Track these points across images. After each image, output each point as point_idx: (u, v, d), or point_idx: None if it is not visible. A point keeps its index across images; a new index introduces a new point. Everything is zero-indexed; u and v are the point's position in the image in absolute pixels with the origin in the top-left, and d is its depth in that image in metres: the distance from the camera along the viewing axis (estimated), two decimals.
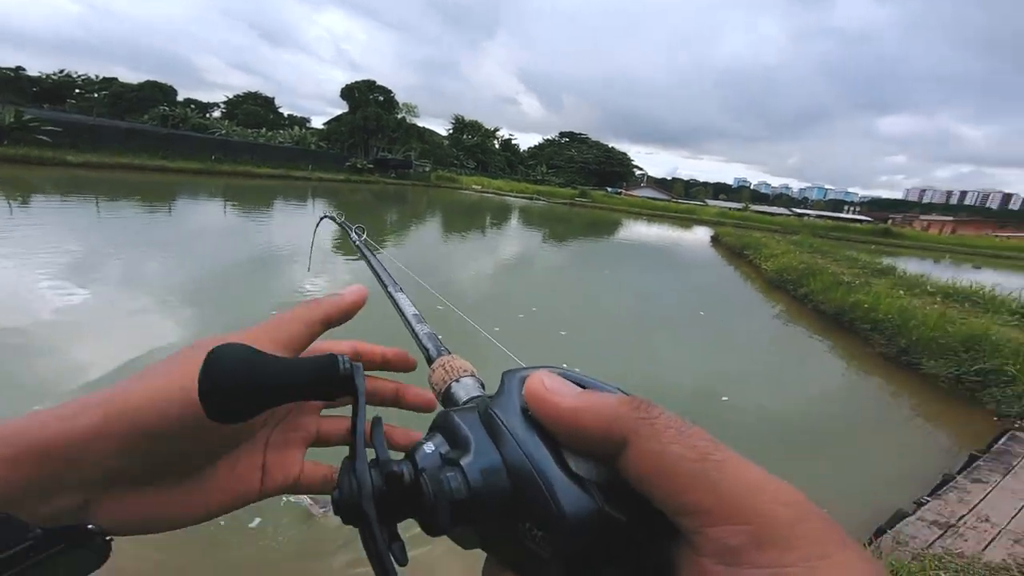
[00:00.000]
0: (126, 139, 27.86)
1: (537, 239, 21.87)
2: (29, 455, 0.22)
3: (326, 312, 0.34)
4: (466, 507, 0.20)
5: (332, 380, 0.26)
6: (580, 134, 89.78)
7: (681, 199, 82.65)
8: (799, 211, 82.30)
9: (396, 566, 0.19)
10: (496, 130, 74.72)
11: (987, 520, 3.30)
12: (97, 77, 52.62)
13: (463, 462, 0.21)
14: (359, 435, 0.23)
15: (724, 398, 5.99)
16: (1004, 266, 31.08)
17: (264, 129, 46.53)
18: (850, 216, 75.64)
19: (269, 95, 61.89)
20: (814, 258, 16.05)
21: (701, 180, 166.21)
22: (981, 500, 3.54)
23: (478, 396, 0.30)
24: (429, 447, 0.23)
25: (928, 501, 3.55)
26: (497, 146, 74.94)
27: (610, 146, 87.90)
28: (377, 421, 0.26)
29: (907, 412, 6.30)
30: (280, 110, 63.16)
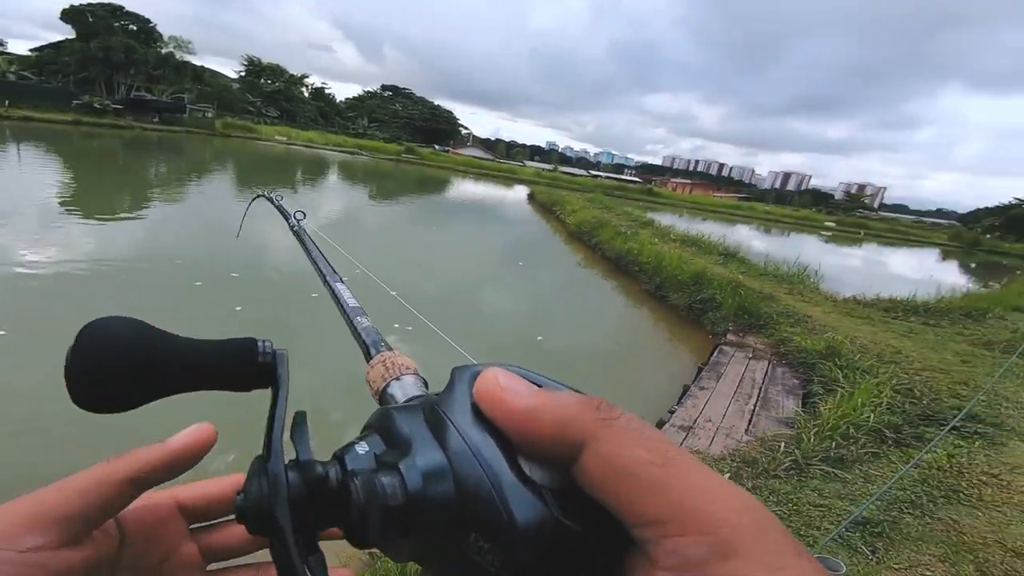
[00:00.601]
0: None
1: (363, 196, 20.00)
2: None
3: (140, 468, 0.21)
4: (402, 515, 0.16)
5: (247, 367, 0.21)
6: (404, 89, 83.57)
7: (503, 159, 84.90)
8: (594, 173, 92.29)
9: None
10: (303, 76, 64.19)
11: (710, 420, 3.98)
12: None
13: (401, 465, 0.17)
14: (276, 431, 0.18)
15: (539, 338, 6.25)
16: (719, 219, 39.71)
17: None
18: (628, 178, 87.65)
19: None
20: (602, 213, 17.95)
21: (520, 142, 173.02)
22: (705, 404, 4.27)
23: (421, 396, 0.25)
24: (362, 448, 0.18)
25: (676, 409, 4.15)
26: (307, 94, 64.93)
27: (436, 103, 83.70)
28: (301, 416, 0.20)
29: (665, 335, 7.49)
30: None
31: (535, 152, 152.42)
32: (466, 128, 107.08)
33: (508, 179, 42.97)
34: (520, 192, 31.03)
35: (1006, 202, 53.28)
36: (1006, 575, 2.24)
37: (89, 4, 38.22)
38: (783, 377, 5.13)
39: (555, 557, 0.16)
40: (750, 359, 5.59)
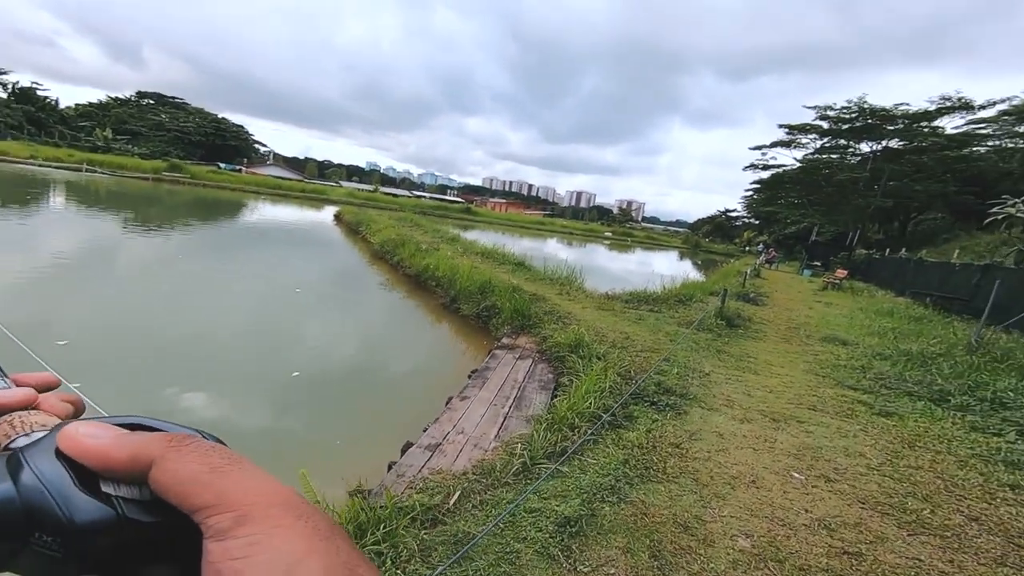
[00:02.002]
0: None
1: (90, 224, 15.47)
2: None
3: None
4: None
5: None
6: (174, 98, 69.07)
7: (315, 180, 77.61)
8: (417, 193, 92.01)
9: None
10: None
11: (462, 432, 3.78)
12: None
13: None
14: None
15: (295, 373, 5.31)
16: (531, 234, 43.60)
17: None
18: (450, 198, 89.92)
19: None
20: (408, 231, 17.57)
21: (336, 162, 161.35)
22: (463, 415, 4.09)
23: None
24: None
25: (429, 427, 3.84)
26: (3, 95, 49.00)
27: (220, 116, 71.01)
28: None
29: (455, 347, 7.32)
30: None
31: (354, 172, 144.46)
32: (264, 145, 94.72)
33: (316, 200, 39.29)
34: (328, 213, 28.51)
35: (714, 213, 72.15)
36: (676, 553, 2.39)
37: None
38: (541, 373, 5.39)
39: (133, 541, 0.22)
40: (517, 359, 5.76)
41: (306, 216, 27.54)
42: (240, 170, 55.87)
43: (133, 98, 65.94)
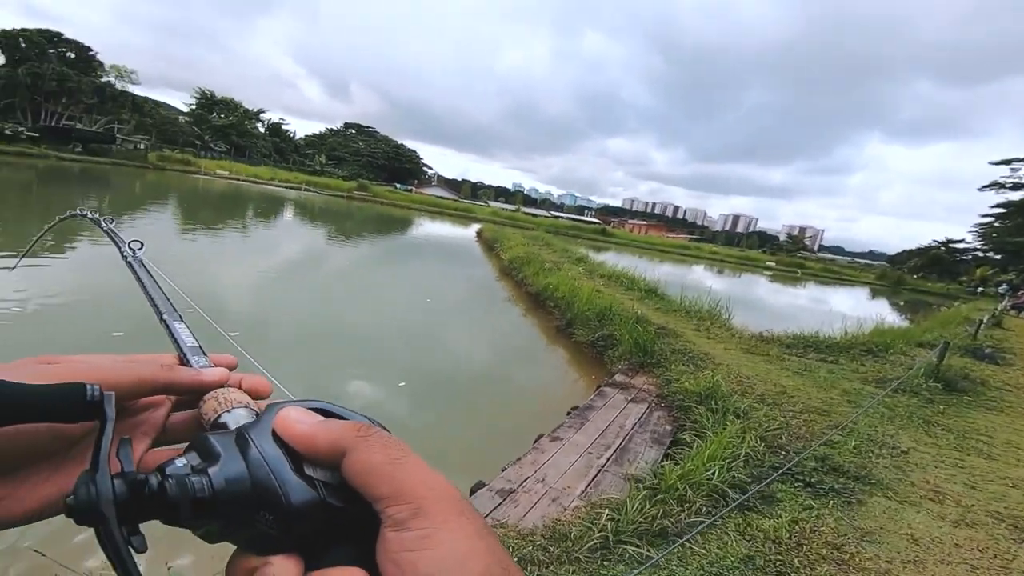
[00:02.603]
0: None
1: (281, 232, 19.02)
2: None
3: (171, 381, 0.32)
4: (208, 504, 0.24)
5: (80, 405, 0.25)
6: (368, 127, 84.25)
7: (468, 199, 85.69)
8: (555, 213, 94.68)
9: (135, 554, 0.22)
10: (259, 112, 63.55)
11: (542, 480, 3.32)
12: None
13: (210, 470, 0.24)
14: (103, 451, 0.24)
15: (401, 384, 5.50)
16: (672, 259, 40.87)
17: None
18: (586, 219, 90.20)
19: None
20: (539, 249, 17.77)
21: (487, 183, 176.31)
22: (548, 460, 3.62)
23: (236, 427, 0.29)
24: (180, 461, 0.25)
25: (507, 467, 3.47)
26: (262, 130, 64.03)
27: (400, 142, 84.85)
28: (126, 440, 0.25)
29: (564, 376, 6.88)
30: None
31: (501, 193, 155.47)
32: (431, 168, 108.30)
33: (465, 218, 43.01)
34: (473, 230, 30.86)
35: (927, 244, 57.87)
36: None
37: (24, 30, 36.70)
38: (656, 423, 4.59)
39: (326, 523, 0.24)
40: (629, 402, 5.04)
41: (454, 232, 30.28)
42: (411, 190, 64.80)
43: (341, 128, 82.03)
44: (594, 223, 69.90)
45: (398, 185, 66.84)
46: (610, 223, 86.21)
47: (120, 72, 42.48)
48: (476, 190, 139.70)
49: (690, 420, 4.44)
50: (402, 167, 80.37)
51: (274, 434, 0.26)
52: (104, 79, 40.74)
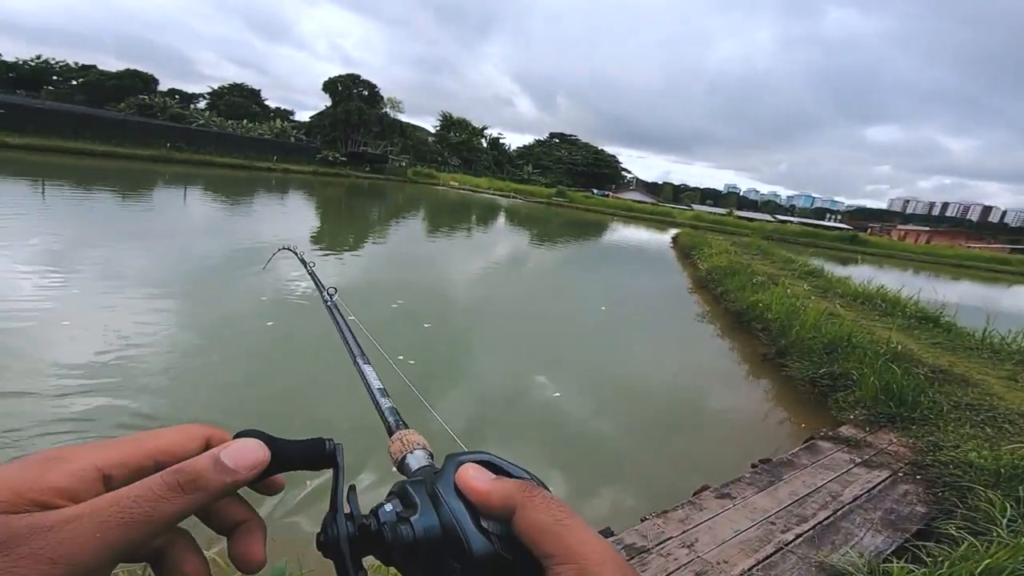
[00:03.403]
0: (78, 124, 26.82)
1: (473, 235, 21.12)
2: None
3: (187, 500, 0.27)
4: (412, 549, 0.29)
5: (320, 457, 0.34)
6: (570, 135, 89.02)
7: (669, 203, 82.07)
8: (782, 218, 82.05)
9: None
10: (483, 129, 73.44)
11: (689, 546, 2.63)
12: (76, 64, 50.74)
13: (412, 519, 0.30)
14: (339, 496, 0.32)
15: (556, 393, 5.35)
16: (971, 275, 30.62)
17: (245, 121, 45.40)
18: (828, 224, 75.26)
19: (257, 88, 60.79)
20: (749, 259, 15.44)
21: (692, 185, 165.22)
22: (706, 521, 2.87)
23: (427, 466, 0.37)
24: (388, 507, 0.32)
25: (647, 519, 2.88)
26: (485, 144, 73.68)
27: (600, 148, 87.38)
28: (352, 488, 0.33)
29: (763, 419, 5.62)
30: (267, 102, 61.79)
31: (709, 195, 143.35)
32: (629, 172, 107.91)
33: (662, 222, 41.00)
34: (668, 235, 29.10)
35: None
36: None
37: (340, 76, 50.53)
38: (899, 501, 3.22)
39: (498, 572, 0.28)
40: (857, 465, 3.71)
41: (646, 238, 29.16)
42: (607, 195, 65.88)
43: (547, 139, 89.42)
44: (841, 229, 57.63)
45: (595, 191, 68.44)
46: (866, 229, 69.94)
47: (392, 103, 54.68)
48: (678, 193, 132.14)
49: (965, 507, 2.98)
50: (600, 172, 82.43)
51: (455, 489, 0.31)
52: (383, 110, 53.08)
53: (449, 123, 68.81)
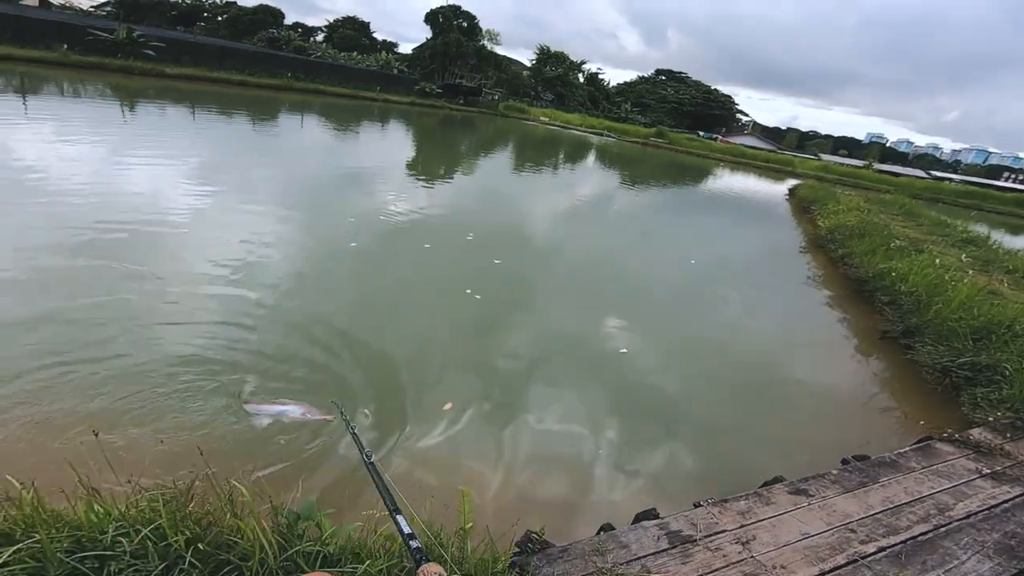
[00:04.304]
0: (221, 56, 29.69)
1: (570, 176, 20.18)
2: None
3: None
4: None
5: None
6: (679, 72, 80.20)
7: (792, 151, 72.46)
8: (939, 175, 68.77)
9: None
10: (582, 63, 68.66)
11: (745, 544, 2.28)
12: (221, 1, 55.29)
13: None
14: None
15: (623, 350, 5.04)
16: None
17: (355, 53, 47.08)
18: (1002, 184, 61.81)
19: (367, 20, 62.03)
20: (888, 219, 13.14)
21: (823, 132, 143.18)
22: (771, 518, 2.49)
23: None
24: None
25: (701, 504, 2.57)
26: (581, 79, 69.16)
27: (713, 88, 78.07)
28: None
29: (882, 407, 4.83)
30: (375, 35, 63.02)
31: (846, 144, 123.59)
32: (746, 115, 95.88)
33: (779, 172, 36.32)
34: (785, 187, 25.73)
35: None
36: None
37: (441, 7, 50.01)
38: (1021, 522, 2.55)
39: None
40: (982, 476, 3.02)
41: (758, 187, 26.14)
42: (716, 138, 59.74)
43: (652, 76, 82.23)
44: (1020, 191, 46.98)
45: (701, 133, 62.21)
46: None
47: (490, 35, 53.08)
48: (805, 140, 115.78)
49: None
50: (711, 114, 74.43)
51: None
52: (481, 42, 52.02)
53: (546, 56, 65.16)
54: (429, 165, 15.95)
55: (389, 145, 19.55)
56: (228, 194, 8.13)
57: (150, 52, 26.33)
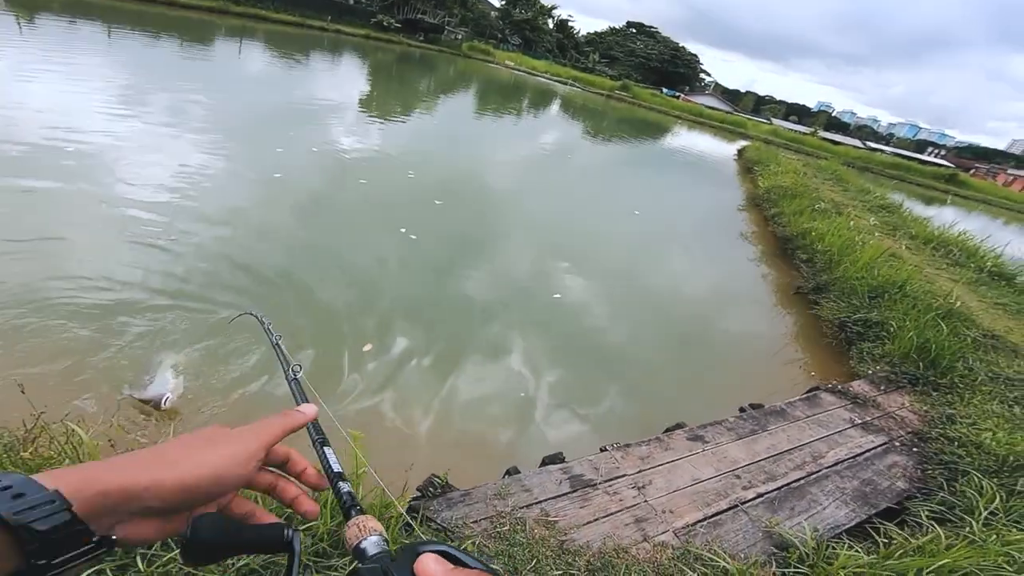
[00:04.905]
0: None
1: (527, 124, 19.60)
2: (97, 496, 0.35)
3: (286, 429, 0.48)
4: None
5: (277, 543, 0.40)
6: (650, 27, 78.39)
7: (747, 114, 73.71)
8: (873, 146, 72.64)
9: None
10: (552, 8, 65.71)
11: (640, 488, 2.46)
12: None
13: None
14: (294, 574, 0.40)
15: (556, 296, 5.09)
16: None
17: None
18: (925, 158, 66.37)
19: None
20: (818, 183, 13.82)
21: (778, 98, 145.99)
22: (667, 463, 2.68)
23: (382, 553, 0.40)
24: None
25: (607, 449, 2.71)
26: (551, 25, 66.42)
27: (680, 45, 77.13)
28: (307, 567, 0.49)
29: (770, 360, 5.22)
30: None
31: (796, 111, 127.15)
32: (709, 75, 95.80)
33: (732, 133, 37.03)
34: (735, 147, 26.32)
35: None
36: None
37: None
38: (883, 473, 2.92)
39: None
40: (854, 426, 3.38)
41: (710, 147, 26.55)
42: (678, 96, 59.55)
43: (623, 28, 79.57)
44: (940, 165, 50.78)
45: (664, 90, 61.89)
46: (970, 170, 61.54)
47: None
48: (760, 104, 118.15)
49: (951, 491, 2.66)
50: (675, 72, 73.94)
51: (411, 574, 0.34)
52: None
53: None
54: (382, 103, 14.89)
55: (339, 80, 17.95)
56: (151, 118, 7.33)
57: None
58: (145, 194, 4.86)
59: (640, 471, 2.57)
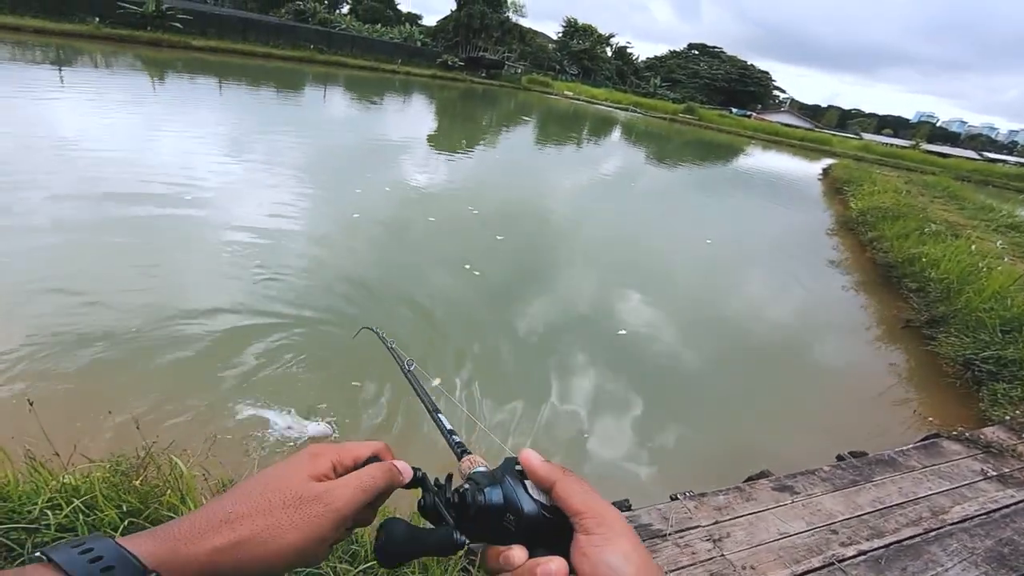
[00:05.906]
0: (245, 28, 29.76)
1: (574, 155, 19.59)
2: (170, 560, 0.36)
3: (387, 484, 0.48)
4: (483, 510, 0.42)
5: (450, 546, 0.44)
6: (713, 47, 76.45)
7: (831, 129, 68.78)
8: (993, 156, 64.39)
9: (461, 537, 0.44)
10: (610, 36, 66.64)
11: (716, 541, 2.20)
12: None
13: (485, 491, 0.43)
14: (429, 482, 0.51)
15: (621, 332, 4.91)
16: None
17: (379, 25, 46.51)
18: None
19: None
20: (926, 201, 12.41)
21: (867, 111, 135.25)
22: (748, 515, 2.38)
23: (487, 471, 0.49)
24: (467, 486, 0.45)
25: (677, 498, 2.48)
26: (609, 53, 67.12)
27: (749, 63, 74.17)
28: (449, 477, 0.51)
29: (892, 401, 4.59)
30: (399, 6, 62.02)
31: (892, 124, 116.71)
32: (783, 92, 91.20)
33: (815, 151, 34.62)
34: (819, 166, 24.49)
35: None
36: None
37: None
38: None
39: (543, 527, 0.41)
40: (987, 478, 2.83)
41: (790, 167, 24.98)
42: (750, 116, 57.22)
43: (684, 50, 78.96)
44: None
45: (733, 110, 59.48)
46: None
47: (515, 7, 51.51)
48: (846, 119, 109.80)
49: None
50: (745, 90, 70.94)
51: (511, 472, 0.44)
52: (505, 14, 50.72)
53: (573, 29, 63.07)
54: (448, 139, 15.74)
55: (411, 118, 19.37)
56: (254, 163, 8.37)
57: (178, 24, 26.55)
58: (238, 243, 5.34)
59: (716, 522, 2.31)
